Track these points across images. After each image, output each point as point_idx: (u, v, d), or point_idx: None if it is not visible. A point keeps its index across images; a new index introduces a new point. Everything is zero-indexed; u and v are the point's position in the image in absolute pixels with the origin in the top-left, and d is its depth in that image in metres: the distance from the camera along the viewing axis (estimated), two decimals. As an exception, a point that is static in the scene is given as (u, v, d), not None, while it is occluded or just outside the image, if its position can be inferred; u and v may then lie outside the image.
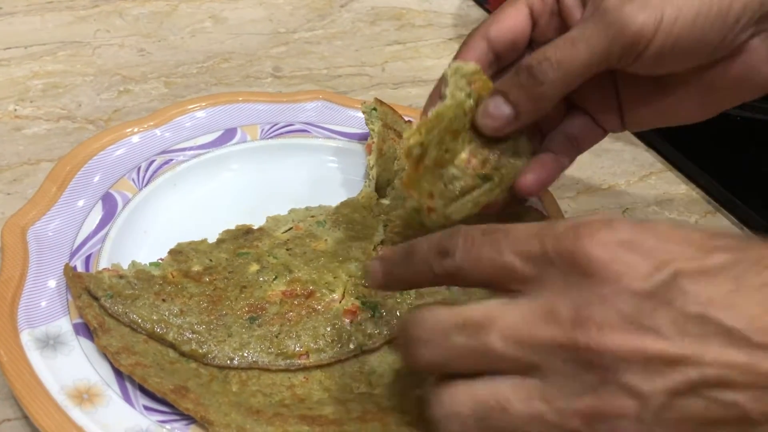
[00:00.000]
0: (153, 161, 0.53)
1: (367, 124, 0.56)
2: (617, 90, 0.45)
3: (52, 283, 0.43)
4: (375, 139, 0.55)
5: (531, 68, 0.39)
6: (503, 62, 0.44)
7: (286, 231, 0.50)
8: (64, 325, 0.41)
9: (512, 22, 0.43)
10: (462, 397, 0.29)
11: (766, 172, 0.62)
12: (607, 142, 0.59)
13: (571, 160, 0.46)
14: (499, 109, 0.40)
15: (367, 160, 0.55)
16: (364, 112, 0.56)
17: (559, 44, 0.39)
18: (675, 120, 0.45)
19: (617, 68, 0.40)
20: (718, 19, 0.37)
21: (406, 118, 0.58)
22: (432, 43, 0.77)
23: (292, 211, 0.52)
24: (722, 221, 0.59)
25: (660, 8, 0.37)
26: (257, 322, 0.43)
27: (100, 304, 0.42)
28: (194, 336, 0.42)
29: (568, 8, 0.42)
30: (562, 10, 0.43)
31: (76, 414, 0.37)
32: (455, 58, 0.43)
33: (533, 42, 0.44)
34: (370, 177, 0.54)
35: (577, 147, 0.46)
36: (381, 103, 0.56)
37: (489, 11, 0.83)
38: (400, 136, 0.55)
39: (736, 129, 0.67)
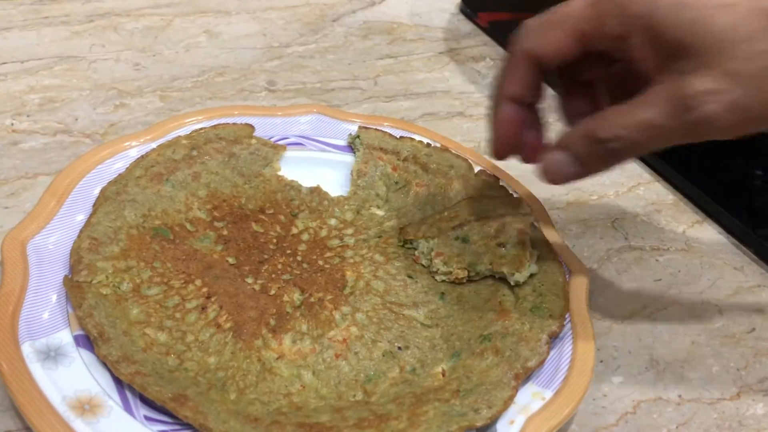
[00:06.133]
0: (150, 174, 0.54)
1: (353, 151, 0.58)
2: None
3: (52, 296, 0.44)
4: (356, 162, 0.57)
5: (595, 136, 0.39)
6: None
7: (282, 242, 0.51)
8: (64, 336, 0.42)
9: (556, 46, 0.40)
10: None
11: (751, 183, 0.64)
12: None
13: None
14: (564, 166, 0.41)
15: None
16: (349, 144, 0.58)
17: (625, 115, 0.38)
18: None
19: None
20: None
21: (399, 134, 0.59)
22: (423, 57, 0.78)
23: (287, 222, 0.53)
24: (708, 230, 0.61)
25: (732, 89, 0.36)
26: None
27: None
28: None
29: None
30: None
31: (78, 425, 0.37)
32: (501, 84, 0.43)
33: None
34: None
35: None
36: (365, 129, 0.58)
37: (478, 25, 0.84)
38: (386, 153, 0.57)
39: (721, 140, 0.68)
